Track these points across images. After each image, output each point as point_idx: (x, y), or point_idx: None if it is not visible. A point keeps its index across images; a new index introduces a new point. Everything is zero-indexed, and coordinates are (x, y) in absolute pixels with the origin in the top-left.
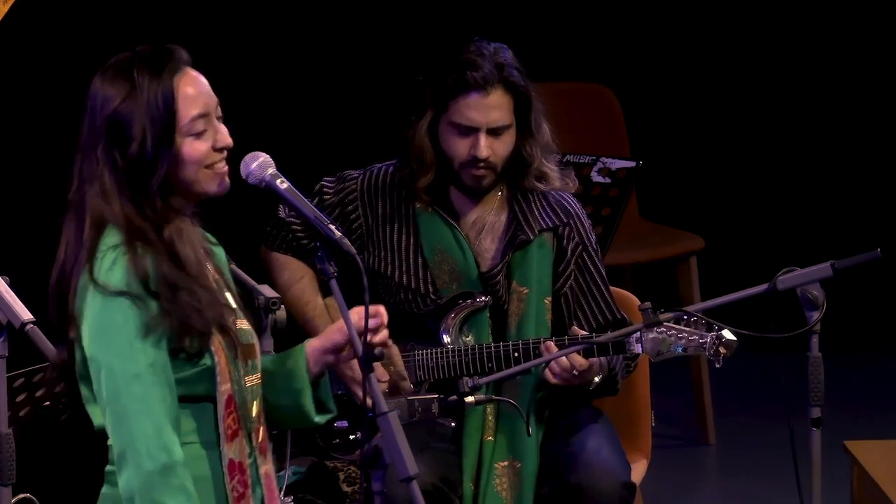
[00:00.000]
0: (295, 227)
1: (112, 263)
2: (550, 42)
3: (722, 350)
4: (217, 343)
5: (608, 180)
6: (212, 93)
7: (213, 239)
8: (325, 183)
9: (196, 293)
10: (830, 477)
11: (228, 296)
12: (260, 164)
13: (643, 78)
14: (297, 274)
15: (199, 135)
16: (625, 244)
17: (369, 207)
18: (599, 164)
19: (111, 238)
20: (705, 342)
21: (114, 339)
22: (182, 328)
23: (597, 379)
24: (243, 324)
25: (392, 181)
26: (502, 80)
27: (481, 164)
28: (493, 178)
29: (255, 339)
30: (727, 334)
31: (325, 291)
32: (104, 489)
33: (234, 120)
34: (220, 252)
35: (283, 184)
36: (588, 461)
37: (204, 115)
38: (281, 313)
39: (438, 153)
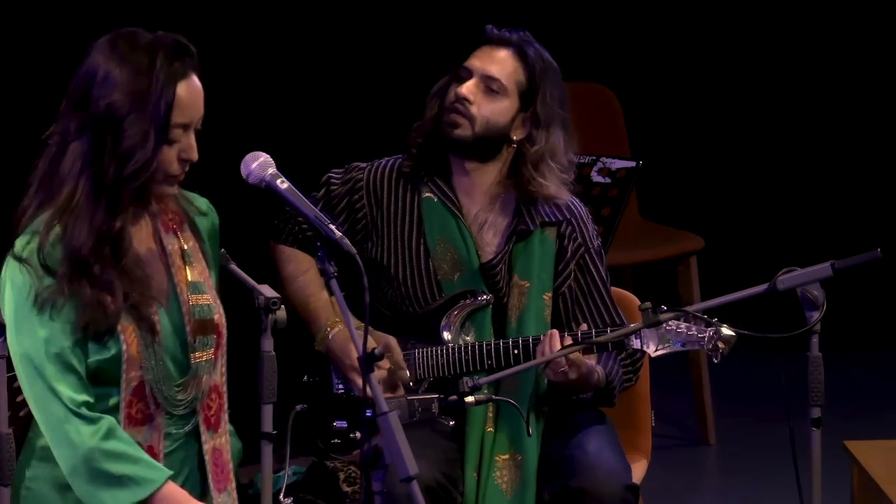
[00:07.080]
0: (301, 219)
1: (31, 236)
2: (551, 42)
3: (720, 345)
4: (130, 331)
5: (608, 180)
6: (201, 105)
7: (204, 208)
8: (332, 174)
9: (112, 285)
10: (830, 477)
11: (198, 269)
12: (260, 163)
13: (643, 78)
14: (302, 266)
15: (171, 143)
16: (625, 244)
17: (374, 198)
18: (599, 164)
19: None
20: (704, 337)
21: (14, 307)
22: (85, 313)
23: (589, 394)
24: (202, 299)
25: (398, 174)
26: (517, 46)
27: (458, 106)
28: (468, 130)
29: (216, 314)
30: (726, 330)
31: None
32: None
33: (234, 119)
34: (207, 221)
35: (283, 183)
36: (590, 465)
37: (184, 126)
38: (281, 313)
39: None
